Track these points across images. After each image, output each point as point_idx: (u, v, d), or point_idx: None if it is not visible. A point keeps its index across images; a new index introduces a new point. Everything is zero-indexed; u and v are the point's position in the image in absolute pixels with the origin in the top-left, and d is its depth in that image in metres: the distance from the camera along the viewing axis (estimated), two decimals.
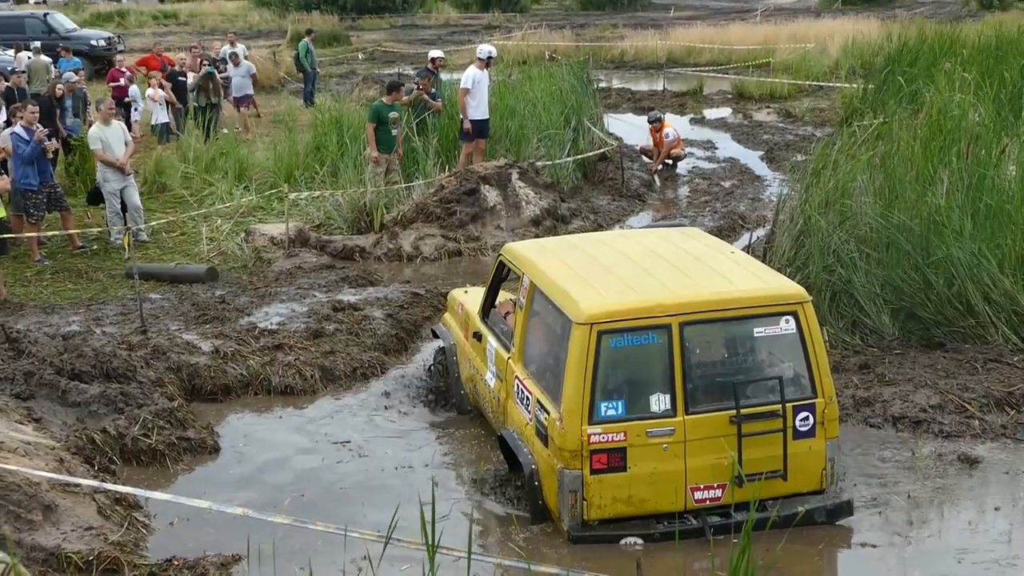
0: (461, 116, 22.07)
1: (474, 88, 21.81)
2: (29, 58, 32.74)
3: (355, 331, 14.32)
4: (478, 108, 21.86)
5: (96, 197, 20.09)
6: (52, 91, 23.44)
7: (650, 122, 25.89)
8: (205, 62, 29.78)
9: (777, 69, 39.97)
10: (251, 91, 31.90)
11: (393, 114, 20.73)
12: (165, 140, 26.58)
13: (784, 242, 14.54)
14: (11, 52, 34.40)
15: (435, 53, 26.80)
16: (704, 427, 9.16)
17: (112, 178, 19.07)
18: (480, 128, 22.03)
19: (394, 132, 20.85)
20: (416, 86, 22.94)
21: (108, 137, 19.08)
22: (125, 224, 18.61)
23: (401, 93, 21.49)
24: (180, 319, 14.79)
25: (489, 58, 22.41)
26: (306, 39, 37.05)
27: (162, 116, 27.03)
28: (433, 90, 23.12)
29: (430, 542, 6.34)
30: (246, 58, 33.66)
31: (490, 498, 10.26)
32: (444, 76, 25.43)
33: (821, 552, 9.32)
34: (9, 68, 29.33)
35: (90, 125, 24.05)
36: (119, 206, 19.21)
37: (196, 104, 28.49)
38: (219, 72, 29.80)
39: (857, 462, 10.73)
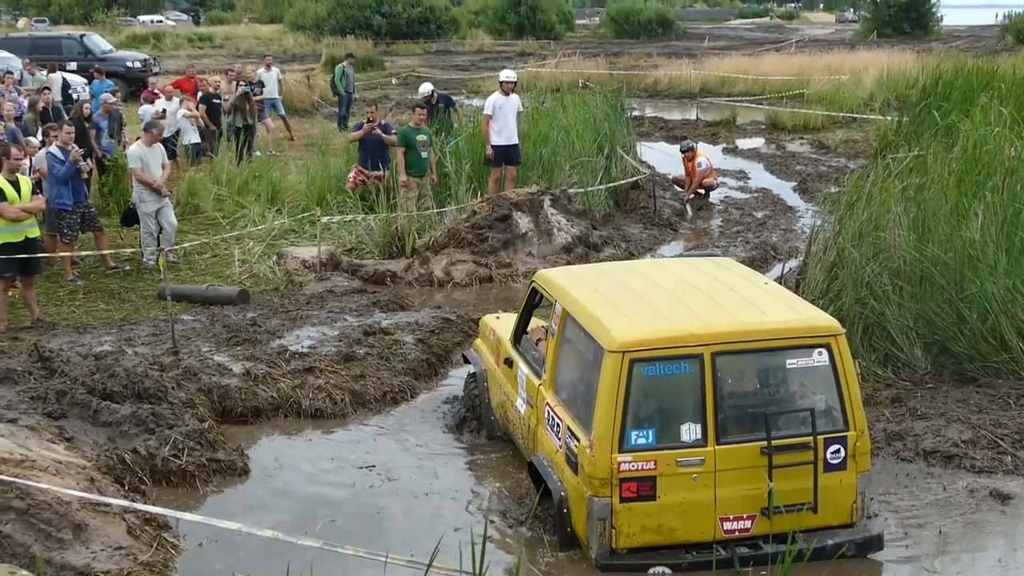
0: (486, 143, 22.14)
1: (496, 114, 21.84)
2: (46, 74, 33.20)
3: (386, 355, 14.33)
4: (501, 133, 21.84)
5: (130, 218, 20.18)
6: (80, 111, 23.56)
7: (682, 151, 25.87)
8: (242, 83, 29.94)
9: (811, 100, 39.92)
10: (277, 95, 33.20)
11: (421, 137, 20.78)
12: (196, 161, 26.68)
13: (817, 274, 14.51)
14: (44, 72, 34.64)
15: (425, 88, 27.66)
16: (735, 458, 9.12)
17: (148, 199, 19.14)
18: (506, 154, 22.00)
19: (424, 155, 20.88)
20: (367, 119, 22.68)
21: (148, 158, 19.18)
22: (159, 245, 18.69)
23: (420, 113, 21.53)
24: (211, 341, 14.82)
25: (509, 82, 22.35)
26: (344, 63, 37.30)
27: (193, 137, 27.13)
28: (383, 121, 23.09)
29: (478, 571, 6.32)
30: (279, 81, 33.97)
31: (518, 525, 10.23)
32: (477, 101, 25.45)
33: None
34: (42, 87, 29.52)
35: (125, 146, 24.20)
36: (154, 227, 19.29)
37: (231, 124, 28.66)
38: (254, 95, 29.97)
39: (888, 496, 10.67)
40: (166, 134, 23.72)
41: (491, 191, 21.67)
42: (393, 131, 22.55)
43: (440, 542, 7.26)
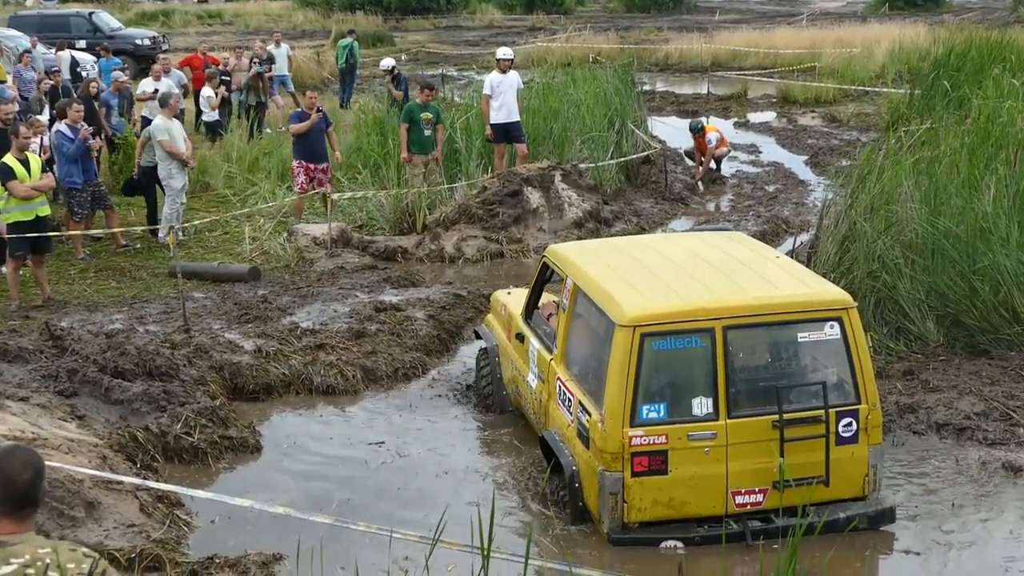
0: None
1: (494, 92, 21.73)
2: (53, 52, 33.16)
3: (397, 332, 14.33)
4: (500, 111, 21.71)
5: (132, 188, 20.20)
6: (87, 89, 23.53)
7: (692, 131, 25.71)
8: (256, 61, 29.93)
9: (823, 73, 39.75)
10: (287, 72, 33.40)
11: (426, 114, 20.61)
12: (217, 137, 26.67)
13: (828, 247, 14.47)
14: (53, 50, 34.60)
15: (386, 62, 28.20)
16: (746, 431, 9.12)
17: (177, 174, 19.14)
18: (506, 131, 21.84)
19: (427, 133, 20.69)
20: (315, 108, 20.81)
21: (174, 131, 19.18)
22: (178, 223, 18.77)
23: (433, 93, 21.37)
24: (223, 318, 14.82)
25: (506, 60, 22.16)
26: (350, 38, 37.19)
27: (213, 114, 27.13)
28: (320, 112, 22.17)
29: (485, 545, 6.31)
30: (289, 58, 33.93)
31: (529, 499, 10.24)
32: (486, 76, 25.39)
33: (864, 558, 9.30)
34: (53, 68, 29.51)
35: (134, 124, 24.18)
36: (180, 206, 19.34)
37: (243, 102, 28.66)
38: (265, 72, 29.99)
39: (900, 469, 10.66)
40: (151, 114, 23.74)
41: (497, 167, 21.62)
42: (331, 124, 21.74)
43: (444, 516, 7.22)
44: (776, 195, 23.63)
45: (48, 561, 4.80)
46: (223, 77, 28.90)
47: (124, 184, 20.83)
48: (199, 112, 31.04)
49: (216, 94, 27.29)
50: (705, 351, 9.14)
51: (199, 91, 30.57)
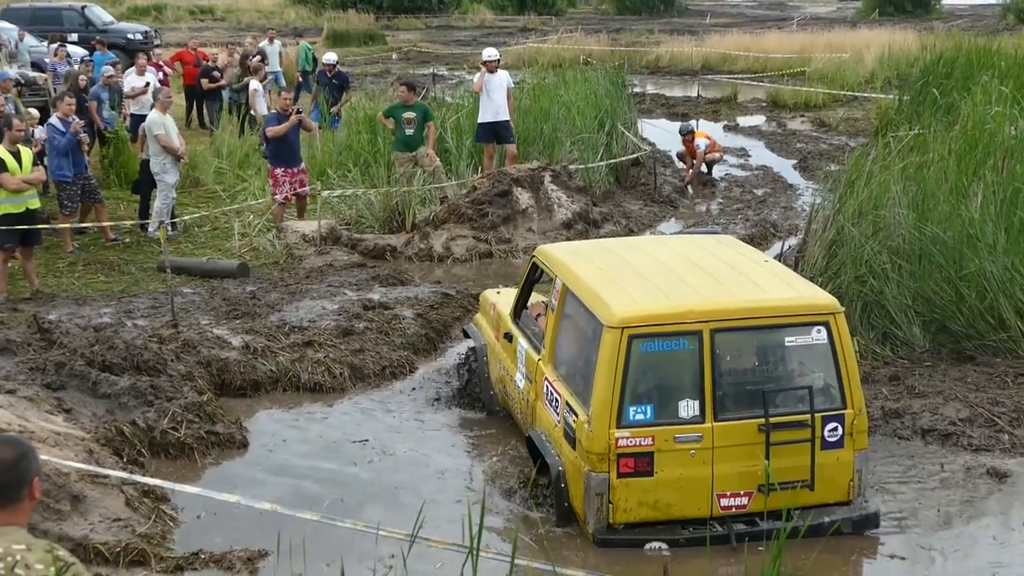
0: None
1: (481, 92, 21.76)
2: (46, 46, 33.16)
3: (385, 330, 14.34)
4: (487, 111, 21.76)
5: (139, 186, 20.13)
6: (76, 82, 23.51)
7: (682, 134, 25.72)
8: (252, 56, 30.01)
9: (812, 78, 39.82)
10: (279, 68, 33.31)
11: (408, 114, 20.46)
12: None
13: (816, 252, 14.51)
14: (45, 43, 34.52)
15: (329, 57, 28.37)
16: (732, 434, 9.14)
17: (171, 169, 19.13)
18: (494, 131, 21.85)
19: (409, 132, 20.58)
20: (295, 110, 20.51)
21: (168, 125, 19.18)
22: (171, 218, 18.76)
23: (414, 93, 21.20)
24: (211, 314, 14.82)
25: (492, 61, 22.09)
26: (305, 42, 37.08)
27: (262, 108, 27.24)
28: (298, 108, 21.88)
29: (473, 545, 6.33)
30: (280, 54, 33.92)
31: (515, 499, 10.25)
32: (474, 76, 25.39)
33: (849, 563, 9.31)
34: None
35: (125, 119, 24.19)
36: (172, 200, 19.32)
37: (233, 98, 28.67)
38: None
39: (885, 474, 10.69)
40: (142, 110, 23.76)
41: (487, 167, 21.61)
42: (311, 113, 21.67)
43: (427, 515, 7.21)
44: (765, 199, 23.66)
45: (19, 558, 4.71)
46: (214, 73, 28.92)
47: (135, 182, 20.73)
48: (190, 107, 31.12)
49: (264, 86, 27.40)
50: (692, 354, 9.16)
51: (190, 86, 30.71)
